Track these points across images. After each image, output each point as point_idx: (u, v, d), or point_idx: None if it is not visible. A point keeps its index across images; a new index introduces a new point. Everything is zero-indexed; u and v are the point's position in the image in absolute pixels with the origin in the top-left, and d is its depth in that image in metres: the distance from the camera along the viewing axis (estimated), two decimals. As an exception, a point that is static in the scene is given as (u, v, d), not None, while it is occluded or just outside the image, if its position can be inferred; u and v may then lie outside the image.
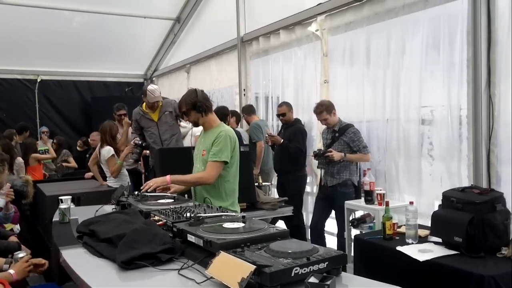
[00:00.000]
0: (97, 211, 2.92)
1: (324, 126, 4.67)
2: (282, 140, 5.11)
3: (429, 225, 3.19)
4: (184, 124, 5.80)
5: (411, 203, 3.20)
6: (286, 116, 5.20)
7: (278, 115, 5.38)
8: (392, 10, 4.19)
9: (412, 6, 3.99)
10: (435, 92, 3.91)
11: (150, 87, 5.33)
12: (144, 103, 5.40)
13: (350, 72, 4.86)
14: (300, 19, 5.32)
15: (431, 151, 4.04)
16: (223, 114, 5.36)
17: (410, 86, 4.13)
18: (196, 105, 3.07)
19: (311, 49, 5.25)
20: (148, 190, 2.93)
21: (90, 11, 7.66)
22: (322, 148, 4.60)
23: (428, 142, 4.06)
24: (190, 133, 5.82)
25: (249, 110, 6.15)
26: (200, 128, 3.33)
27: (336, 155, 4.34)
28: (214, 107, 3.60)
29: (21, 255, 1.94)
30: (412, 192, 4.15)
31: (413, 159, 4.16)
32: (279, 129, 5.63)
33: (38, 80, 9.34)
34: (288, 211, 4.62)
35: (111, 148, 5.01)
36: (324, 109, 4.45)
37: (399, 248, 2.99)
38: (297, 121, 5.29)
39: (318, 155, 4.48)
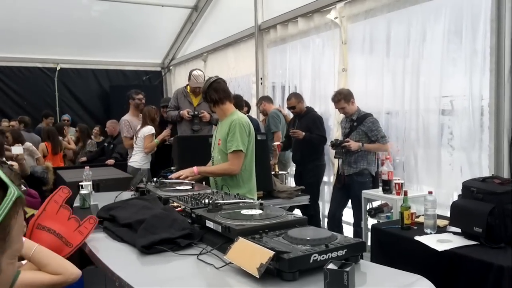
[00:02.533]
0: (116, 197, 2.97)
1: (343, 115, 4.64)
2: (304, 134, 5.09)
3: (448, 215, 3.15)
4: None
5: (430, 192, 3.16)
6: (296, 108, 5.20)
7: (289, 108, 5.37)
8: (413, -3, 4.12)
9: (434, -8, 3.92)
10: (457, 81, 3.84)
11: (195, 72, 5.31)
12: (189, 85, 5.44)
13: (369, 60, 4.80)
14: (319, 6, 5.26)
15: (451, 141, 3.98)
16: (238, 103, 5.37)
17: (430, 75, 4.07)
18: (203, 95, 3.21)
19: (330, 37, 5.19)
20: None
21: (108, 0, 7.70)
22: (341, 138, 4.57)
23: (449, 132, 4.00)
24: None
25: (269, 99, 6.14)
26: None
27: (353, 145, 4.31)
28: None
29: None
30: (431, 182, 4.10)
31: (432, 149, 4.10)
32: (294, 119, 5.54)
33: (58, 69, 9.46)
34: (304, 200, 4.61)
35: (152, 128, 5.58)
36: (342, 97, 4.42)
37: (417, 238, 2.97)
38: (310, 109, 5.25)
39: (335, 144, 4.46)
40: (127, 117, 5.97)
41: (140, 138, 5.58)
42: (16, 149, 4.13)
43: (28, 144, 6.00)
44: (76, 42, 8.72)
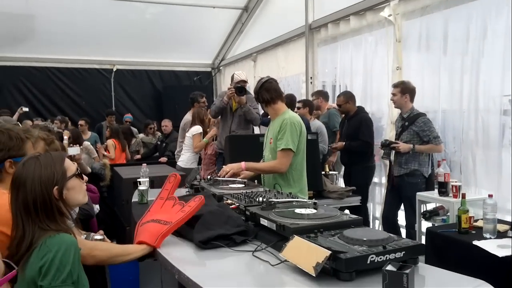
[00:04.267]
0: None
1: (397, 115, 4.54)
2: (344, 143, 5.05)
3: (509, 219, 3.02)
4: None
5: (490, 196, 3.03)
6: (342, 107, 5.11)
7: (337, 105, 5.31)
8: (473, -8, 3.97)
9: (496, -13, 3.76)
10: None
11: (237, 71, 5.41)
12: None
13: (426, 58, 4.68)
14: (372, 4, 5.18)
15: (513, 143, 3.80)
16: (291, 102, 5.38)
17: (491, 74, 3.90)
18: (255, 95, 3.25)
19: (383, 35, 5.10)
20: (225, 176, 3.04)
21: (162, 2, 7.95)
22: (394, 138, 4.48)
23: (510, 132, 3.82)
24: None
25: (326, 96, 6.04)
26: None
27: (403, 146, 4.22)
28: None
29: (97, 237, 2.07)
30: (490, 185, 3.94)
31: (492, 151, 3.94)
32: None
33: (114, 70, 9.86)
34: (355, 200, 4.56)
35: (200, 127, 5.69)
36: (401, 86, 4.34)
37: (475, 242, 2.86)
38: (360, 110, 5.10)
39: (384, 145, 4.38)
40: (189, 116, 6.12)
41: (189, 138, 5.70)
42: (73, 150, 4.34)
43: (86, 143, 6.29)
44: (131, 44, 9.07)
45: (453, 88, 4.31)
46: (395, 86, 4.41)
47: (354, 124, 5.02)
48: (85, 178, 1.88)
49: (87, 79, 9.74)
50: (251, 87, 8.53)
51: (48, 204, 1.64)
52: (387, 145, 4.34)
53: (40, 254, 1.54)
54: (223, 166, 3.75)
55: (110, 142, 6.95)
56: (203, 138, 5.69)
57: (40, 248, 1.55)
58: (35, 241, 1.57)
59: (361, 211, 4.97)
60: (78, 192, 1.77)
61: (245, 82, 5.16)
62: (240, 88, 5.00)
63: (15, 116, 8.09)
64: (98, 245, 1.95)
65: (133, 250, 1.97)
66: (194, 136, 5.66)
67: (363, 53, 5.57)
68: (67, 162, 1.76)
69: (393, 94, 4.38)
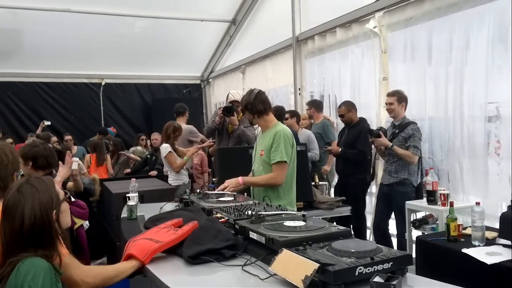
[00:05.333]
0: (161, 208, 3.05)
1: (385, 124, 4.59)
2: (340, 149, 5.07)
3: (497, 227, 3.05)
4: None
5: (478, 203, 3.07)
6: (345, 117, 5.09)
7: (339, 116, 5.30)
8: (455, 4, 4.06)
9: (477, -1, 3.84)
10: (503, 87, 3.72)
11: (233, 90, 5.27)
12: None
13: (411, 68, 4.75)
14: (358, 16, 5.25)
15: (498, 150, 3.86)
16: (280, 114, 5.39)
17: (475, 82, 3.97)
18: (247, 106, 3.20)
19: (369, 47, 5.17)
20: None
21: (150, 16, 7.98)
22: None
23: (495, 140, 3.87)
24: None
25: (319, 107, 6.03)
26: None
27: (383, 140, 4.32)
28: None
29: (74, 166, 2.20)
30: (477, 192, 3.98)
31: (478, 158, 3.99)
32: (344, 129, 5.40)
33: (103, 84, 9.86)
34: (345, 211, 4.57)
35: (168, 145, 5.31)
36: (397, 95, 4.39)
37: (464, 250, 2.89)
38: (362, 120, 5.11)
39: (370, 133, 4.47)
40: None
41: (164, 159, 5.41)
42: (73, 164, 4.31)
43: (75, 159, 6.24)
44: (119, 58, 9.08)
45: (438, 96, 4.37)
46: (391, 95, 4.43)
47: (354, 133, 5.04)
48: (72, 199, 1.92)
49: (76, 94, 9.72)
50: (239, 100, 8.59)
51: (47, 228, 1.64)
52: (372, 133, 4.44)
53: (12, 278, 1.54)
54: (214, 179, 3.77)
55: (87, 156, 7.00)
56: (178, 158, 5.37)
57: (15, 271, 1.55)
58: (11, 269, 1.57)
59: (358, 222, 4.99)
60: (67, 215, 1.83)
61: (238, 102, 4.84)
62: (227, 108, 4.88)
63: (38, 130, 8.19)
64: (91, 272, 1.94)
65: (124, 268, 1.96)
66: (167, 157, 5.32)
67: (350, 64, 5.64)
68: (56, 186, 1.79)
69: (390, 104, 4.40)
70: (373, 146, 4.71)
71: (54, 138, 7.85)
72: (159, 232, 2.11)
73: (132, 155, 7.77)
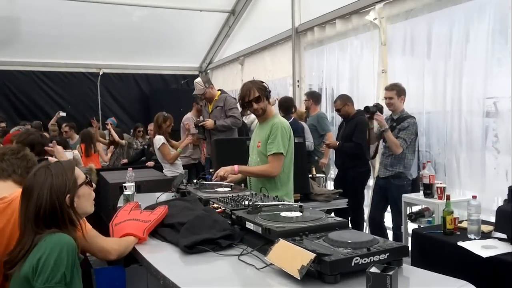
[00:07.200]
0: (158, 198, 3.04)
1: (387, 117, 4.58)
2: (338, 143, 5.06)
3: (493, 220, 3.06)
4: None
5: (474, 197, 3.07)
6: (341, 111, 5.07)
7: (336, 111, 5.27)
8: (455, -4, 4.03)
9: (477, -9, 3.82)
10: (502, 82, 3.71)
11: (196, 79, 5.57)
12: None
13: (410, 61, 4.72)
14: (357, 8, 5.22)
15: (496, 144, 3.86)
16: (289, 105, 5.48)
17: (474, 76, 3.95)
18: (266, 92, 3.12)
19: (369, 39, 5.14)
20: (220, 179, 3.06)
21: (149, 5, 7.92)
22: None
23: (493, 134, 3.87)
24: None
25: (317, 99, 5.99)
26: None
27: (380, 118, 4.31)
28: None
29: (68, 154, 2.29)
30: (474, 186, 3.98)
31: (476, 152, 3.98)
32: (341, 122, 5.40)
33: (100, 74, 9.80)
34: (342, 203, 4.55)
35: (161, 137, 5.28)
36: (396, 89, 4.36)
37: (460, 243, 2.89)
38: (359, 112, 5.05)
39: (366, 110, 4.45)
40: (189, 115, 6.22)
41: (157, 152, 5.39)
42: (68, 154, 4.29)
43: (75, 152, 6.23)
44: (117, 48, 9.02)
45: (436, 90, 4.35)
46: (390, 89, 4.38)
47: (350, 126, 5.02)
48: (94, 185, 1.91)
49: (73, 83, 9.66)
50: (238, 91, 8.57)
51: (58, 212, 1.67)
52: (368, 110, 4.42)
53: (37, 250, 1.57)
54: (211, 170, 3.76)
55: (78, 147, 6.93)
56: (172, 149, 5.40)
57: (39, 245, 1.58)
58: (36, 243, 1.60)
59: (356, 214, 5.00)
60: (87, 200, 1.84)
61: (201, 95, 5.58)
62: (199, 129, 5.45)
63: (53, 120, 8.18)
64: (113, 240, 2.11)
65: (130, 241, 2.11)
66: (160, 149, 5.28)
67: (349, 57, 5.61)
68: (77, 170, 1.81)
69: (390, 98, 4.36)
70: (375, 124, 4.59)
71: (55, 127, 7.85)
72: (134, 214, 2.31)
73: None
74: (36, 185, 1.67)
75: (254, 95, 3.07)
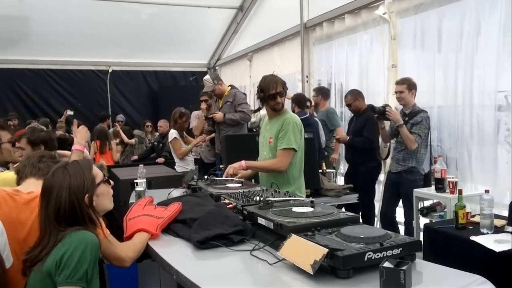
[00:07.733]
0: (169, 194, 3.06)
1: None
2: (348, 138, 5.03)
3: (505, 214, 3.03)
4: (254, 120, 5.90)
5: (487, 191, 3.05)
6: (352, 106, 5.04)
7: (347, 106, 5.25)
8: (466, -11, 3.98)
9: (489, -16, 3.77)
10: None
11: (205, 77, 5.56)
12: None
13: (420, 55, 4.68)
14: (367, 2, 5.18)
15: (508, 138, 3.82)
16: (305, 101, 5.48)
17: (485, 70, 3.91)
18: (285, 87, 3.13)
19: (378, 33, 5.11)
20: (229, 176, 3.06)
21: (157, 3, 7.95)
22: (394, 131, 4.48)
23: (505, 128, 3.83)
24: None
25: (326, 95, 5.99)
26: None
27: (394, 114, 4.23)
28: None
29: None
30: (486, 180, 3.94)
31: (488, 146, 3.95)
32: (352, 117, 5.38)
33: (110, 71, 9.86)
34: (353, 198, 4.54)
35: (175, 131, 5.41)
36: (407, 83, 4.31)
37: (473, 238, 2.88)
38: (369, 108, 5.09)
39: (373, 109, 4.40)
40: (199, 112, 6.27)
41: (170, 146, 5.51)
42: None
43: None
44: (126, 45, 9.06)
45: (447, 84, 4.32)
46: (400, 83, 4.34)
47: (361, 121, 4.99)
48: (112, 183, 1.93)
49: (83, 81, 9.74)
50: (246, 87, 8.57)
51: (78, 212, 1.69)
52: (376, 111, 4.37)
53: (61, 246, 1.59)
54: (221, 166, 3.77)
55: (94, 144, 7.14)
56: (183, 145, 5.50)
57: (63, 241, 1.60)
58: (60, 240, 1.63)
59: (367, 210, 4.98)
60: (106, 198, 1.88)
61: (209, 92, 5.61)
62: (209, 121, 5.41)
63: (62, 118, 8.30)
64: (129, 247, 2.06)
65: (143, 239, 2.09)
66: (172, 142, 5.44)
67: (358, 52, 5.58)
68: (95, 169, 1.83)
69: (400, 92, 4.32)
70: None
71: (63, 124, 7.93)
72: (148, 209, 2.30)
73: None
74: (55, 186, 1.69)
75: (280, 88, 3.07)
